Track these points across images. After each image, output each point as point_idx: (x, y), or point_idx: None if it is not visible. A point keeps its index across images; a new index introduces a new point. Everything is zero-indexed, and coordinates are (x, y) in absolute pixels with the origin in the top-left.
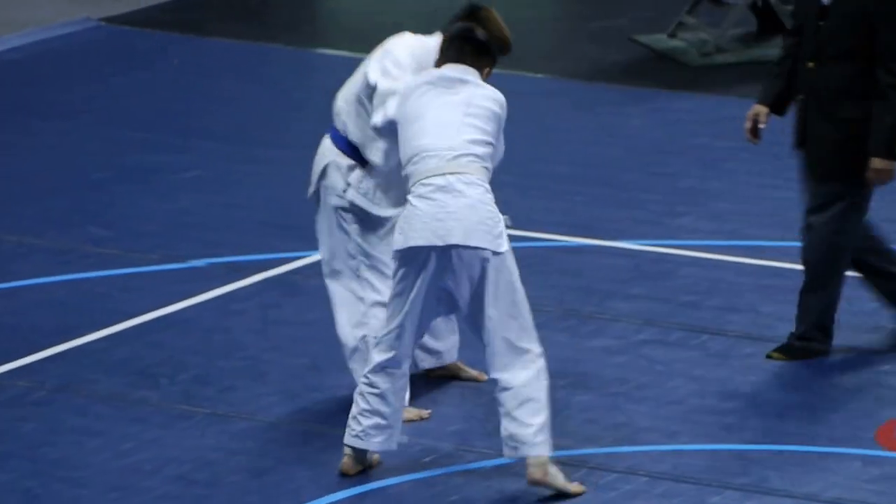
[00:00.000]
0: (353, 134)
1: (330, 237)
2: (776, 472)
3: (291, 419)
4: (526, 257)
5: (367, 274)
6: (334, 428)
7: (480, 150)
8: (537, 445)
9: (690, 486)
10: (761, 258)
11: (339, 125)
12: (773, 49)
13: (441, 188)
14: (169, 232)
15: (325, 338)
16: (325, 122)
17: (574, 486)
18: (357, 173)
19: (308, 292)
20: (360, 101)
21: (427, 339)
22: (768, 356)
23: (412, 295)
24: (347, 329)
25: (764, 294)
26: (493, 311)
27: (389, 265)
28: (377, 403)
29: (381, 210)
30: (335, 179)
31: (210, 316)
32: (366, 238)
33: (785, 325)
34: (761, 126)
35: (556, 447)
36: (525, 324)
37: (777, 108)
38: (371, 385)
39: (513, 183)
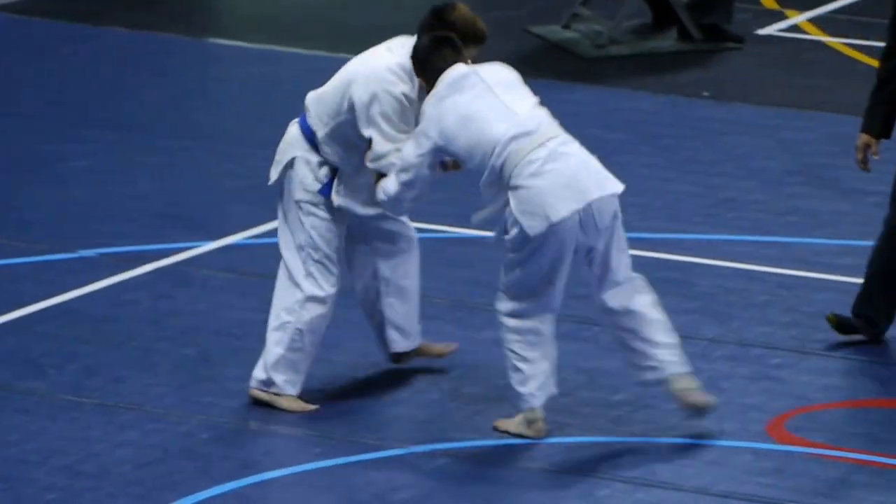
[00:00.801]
0: (328, 154)
1: (287, 224)
2: (666, 465)
3: (180, 410)
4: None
5: (313, 268)
6: (223, 419)
7: (545, 110)
8: (676, 363)
9: (580, 478)
10: (656, 251)
11: (310, 122)
12: (667, 41)
13: (548, 159)
14: (59, 221)
15: (217, 328)
16: (221, 112)
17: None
18: (326, 170)
19: (200, 283)
20: (342, 125)
21: (403, 322)
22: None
23: (558, 271)
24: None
25: (658, 287)
26: (615, 253)
27: (335, 262)
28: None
29: (366, 209)
30: (304, 174)
31: (100, 306)
32: (319, 232)
33: (678, 318)
34: (875, 158)
35: (445, 440)
36: (628, 254)
37: (884, 132)
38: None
39: None
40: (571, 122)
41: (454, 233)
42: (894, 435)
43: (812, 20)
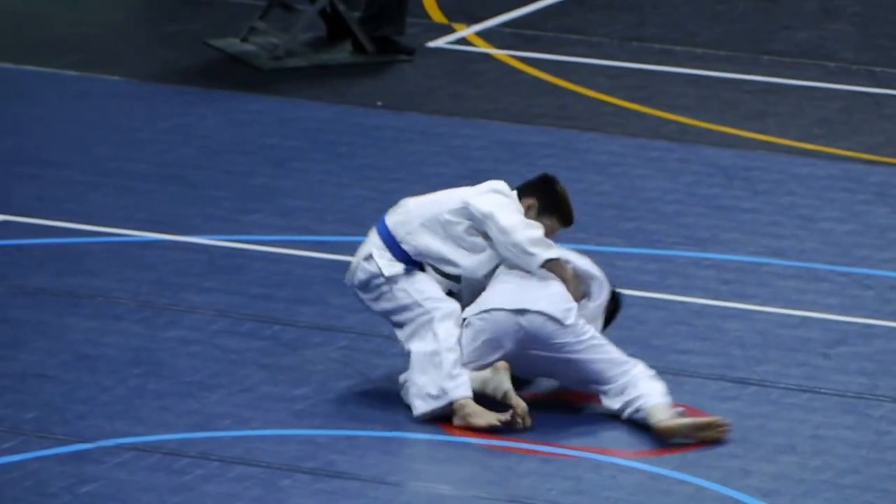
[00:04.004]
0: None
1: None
2: (343, 455)
3: None
4: (101, 251)
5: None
6: None
7: None
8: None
9: (262, 469)
10: (330, 252)
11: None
12: (341, 54)
13: None
14: None
15: None
16: None
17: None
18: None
19: None
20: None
21: None
22: None
23: None
24: None
25: (332, 287)
26: None
27: None
28: None
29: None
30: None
31: None
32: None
33: (352, 316)
34: None
35: (130, 434)
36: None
37: None
38: None
39: (88, 181)
40: (250, 132)
41: (139, 236)
42: (555, 427)
43: (479, 33)
